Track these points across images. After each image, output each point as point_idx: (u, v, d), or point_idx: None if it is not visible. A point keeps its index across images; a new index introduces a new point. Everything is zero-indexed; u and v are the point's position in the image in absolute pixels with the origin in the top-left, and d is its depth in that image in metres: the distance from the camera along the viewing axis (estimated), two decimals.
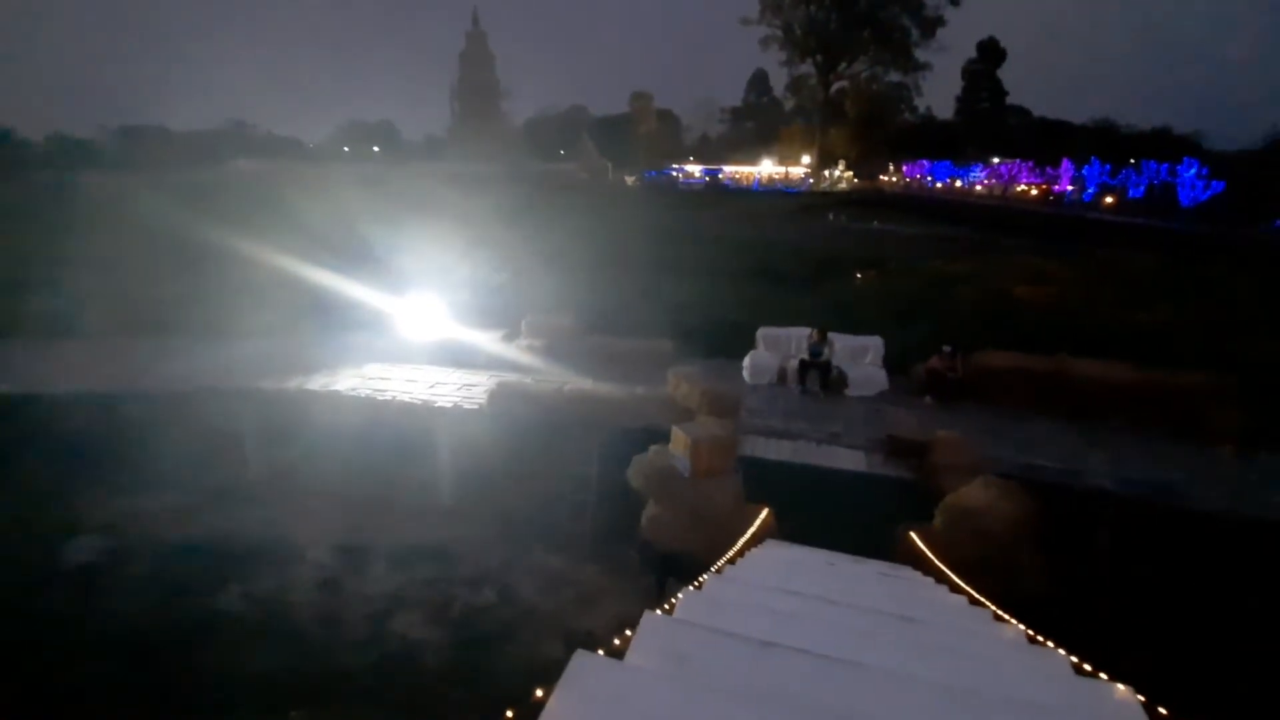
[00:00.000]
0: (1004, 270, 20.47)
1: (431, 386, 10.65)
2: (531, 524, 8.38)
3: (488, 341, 12.91)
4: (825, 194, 60.47)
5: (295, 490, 8.94)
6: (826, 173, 70.67)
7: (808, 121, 75.31)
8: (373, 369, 11.53)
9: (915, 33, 67.29)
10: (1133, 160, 43.91)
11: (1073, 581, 6.05)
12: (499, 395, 9.71)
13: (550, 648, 6.29)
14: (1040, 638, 3.49)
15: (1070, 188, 48.53)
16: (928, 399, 10.83)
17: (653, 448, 7.46)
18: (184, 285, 15.80)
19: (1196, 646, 5.61)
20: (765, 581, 4.55)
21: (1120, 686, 2.56)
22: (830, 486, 8.47)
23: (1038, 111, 69.07)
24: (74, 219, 28.10)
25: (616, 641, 2.52)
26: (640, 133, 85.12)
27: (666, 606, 3.43)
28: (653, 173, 76.54)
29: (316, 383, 10.68)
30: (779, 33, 70.06)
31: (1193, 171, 39.19)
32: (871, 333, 11.88)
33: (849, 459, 8.85)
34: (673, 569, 6.58)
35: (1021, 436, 9.24)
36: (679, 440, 7.15)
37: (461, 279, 16.13)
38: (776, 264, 22.73)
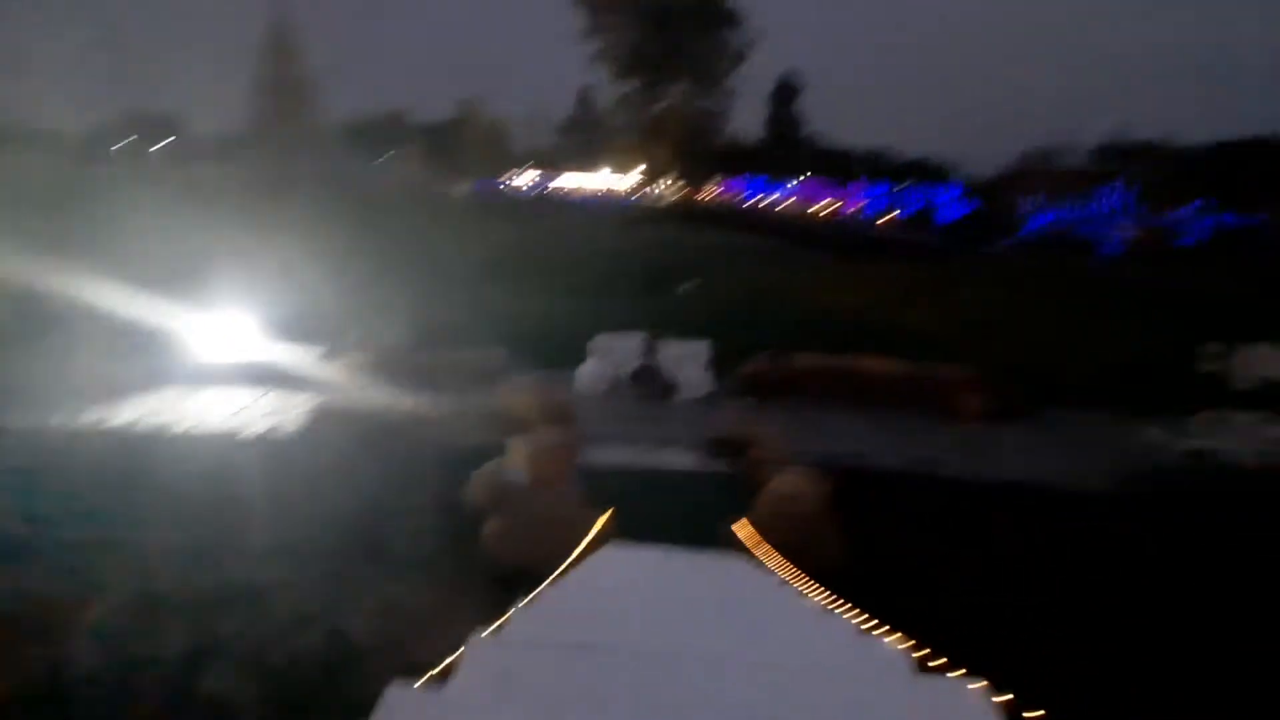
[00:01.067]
0: (808, 278, 22.85)
1: (237, 413, 9.60)
2: (362, 554, 7.86)
3: (306, 359, 11.90)
4: (653, 207, 63.19)
5: (72, 544, 7.60)
6: (653, 186, 73.82)
7: (634, 137, 78.26)
8: (164, 396, 10.14)
9: (724, 63, 73.00)
10: (904, 183, 51.23)
11: (862, 549, 6.95)
12: (320, 419, 9.02)
13: (384, 686, 5.96)
14: (870, 628, 3.60)
15: (855, 206, 55.43)
16: (748, 399, 11.83)
17: (489, 462, 7.39)
18: None
19: (952, 594, 6.72)
20: (599, 589, 4.73)
21: (954, 677, 2.51)
22: (665, 487, 8.92)
23: (831, 137, 78.01)
24: None
25: (440, 670, 2.48)
26: (468, 140, 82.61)
27: (496, 626, 3.44)
28: (482, 182, 74.77)
29: (87, 417, 9.16)
30: (606, 50, 72.19)
31: (948, 195, 46.55)
32: (698, 339, 12.70)
33: (681, 459, 9.40)
34: (517, 583, 6.56)
35: (823, 428, 10.44)
36: (516, 452, 7.16)
37: (275, 291, 14.65)
38: (607, 275, 23.37)
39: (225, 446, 8.75)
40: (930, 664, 2.75)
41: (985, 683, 2.17)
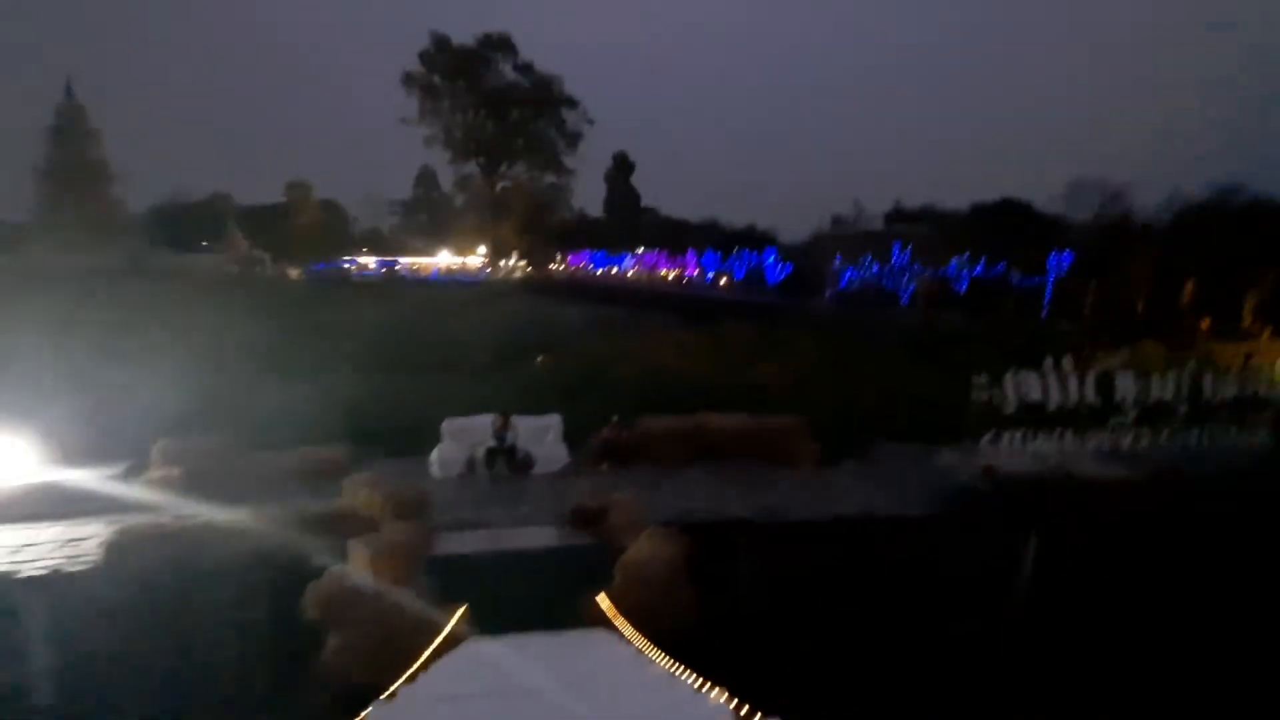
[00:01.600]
0: (654, 344, 23.97)
1: (15, 552, 8.17)
2: (184, 696, 6.90)
3: (101, 480, 10.42)
4: (501, 282, 63.42)
5: None
6: (502, 263, 74.38)
7: (478, 215, 78.95)
8: None
9: (561, 144, 76.79)
10: (735, 249, 56.00)
11: (716, 603, 7.31)
12: (122, 545, 7.91)
13: None
14: (741, 707, 3.55)
15: (694, 272, 59.47)
16: (604, 466, 12.05)
17: (329, 570, 6.91)
18: None
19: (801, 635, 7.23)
20: (455, 685, 4.60)
21: None
22: (526, 567, 8.77)
23: (664, 210, 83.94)
24: None
25: None
26: (300, 223, 78.75)
27: None
28: (322, 265, 71.10)
29: None
30: (440, 135, 73.07)
31: (772, 259, 51.53)
32: (550, 412, 12.81)
33: (540, 536, 9.32)
34: (364, 703, 6.10)
35: (677, 487, 10.88)
36: (358, 555, 6.77)
37: (58, 403, 12.76)
38: (457, 354, 22.97)
39: (5, 589, 7.43)
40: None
41: None
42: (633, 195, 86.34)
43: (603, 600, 7.30)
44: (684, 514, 9.55)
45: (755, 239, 61.37)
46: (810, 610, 7.77)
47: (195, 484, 10.34)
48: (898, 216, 57.77)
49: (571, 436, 12.59)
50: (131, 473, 10.84)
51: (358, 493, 8.91)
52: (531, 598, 7.72)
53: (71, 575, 7.67)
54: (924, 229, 49.19)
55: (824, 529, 9.14)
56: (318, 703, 6.64)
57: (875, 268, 45.85)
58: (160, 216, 75.59)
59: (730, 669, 4.25)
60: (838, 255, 48.18)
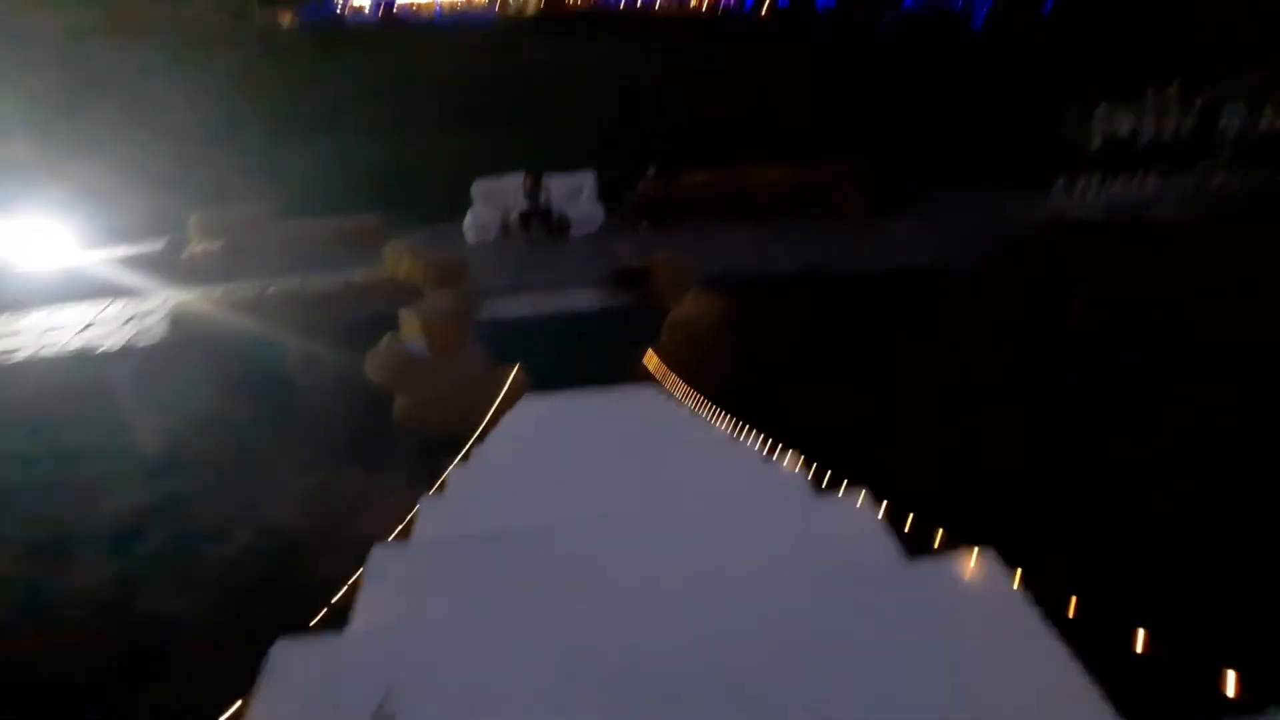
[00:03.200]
0: (689, 83, 21.70)
1: (84, 329, 8.55)
2: (273, 451, 7.62)
3: (144, 256, 10.51)
4: (514, 20, 56.52)
5: None
6: None
7: None
8: None
9: None
10: None
11: (763, 363, 7.36)
12: (183, 319, 8.19)
13: (330, 563, 6.09)
14: (774, 450, 3.68)
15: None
16: (643, 224, 11.61)
17: (385, 337, 7.06)
18: None
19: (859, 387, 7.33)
20: (522, 442, 4.81)
21: (847, 496, 2.53)
22: (571, 329, 8.93)
23: None
24: None
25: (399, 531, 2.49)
26: None
27: (436, 488, 3.49)
28: (312, 8, 63.76)
29: None
30: None
31: None
32: (582, 167, 12.05)
33: (583, 298, 9.33)
34: (438, 451, 6.61)
35: (720, 245, 10.51)
36: (409, 323, 6.84)
37: (76, 180, 12.46)
38: (477, 107, 21.28)
39: (84, 366, 7.91)
40: (825, 483, 3.00)
41: (879, 501, 2.37)
42: None
43: (650, 359, 7.44)
44: (728, 272, 9.32)
45: None
46: (858, 367, 7.81)
47: (236, 255, 10.39)
48: None
49: (607, 192, 11.98)
50: (172, 248, 10.87)
51: (399, 261, 8.81)
52: (579, 358, 7.92)
53: (144, 349, 8.05)
54: None
55: (873, 283, 8.86)
56: (393, 452, 7.27)
57: None
58: None
59: (774, 425, 4.31)
60: None
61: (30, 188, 10.97)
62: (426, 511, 3.08)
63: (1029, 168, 11.60)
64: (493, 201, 11.58)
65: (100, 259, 10.28)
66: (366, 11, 67.38)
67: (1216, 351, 7.72)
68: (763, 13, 48.28)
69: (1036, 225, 10.41)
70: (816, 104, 18.00)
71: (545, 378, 7.33)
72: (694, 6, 55.14)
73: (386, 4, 68.84)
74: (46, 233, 10.27)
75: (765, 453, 3.68)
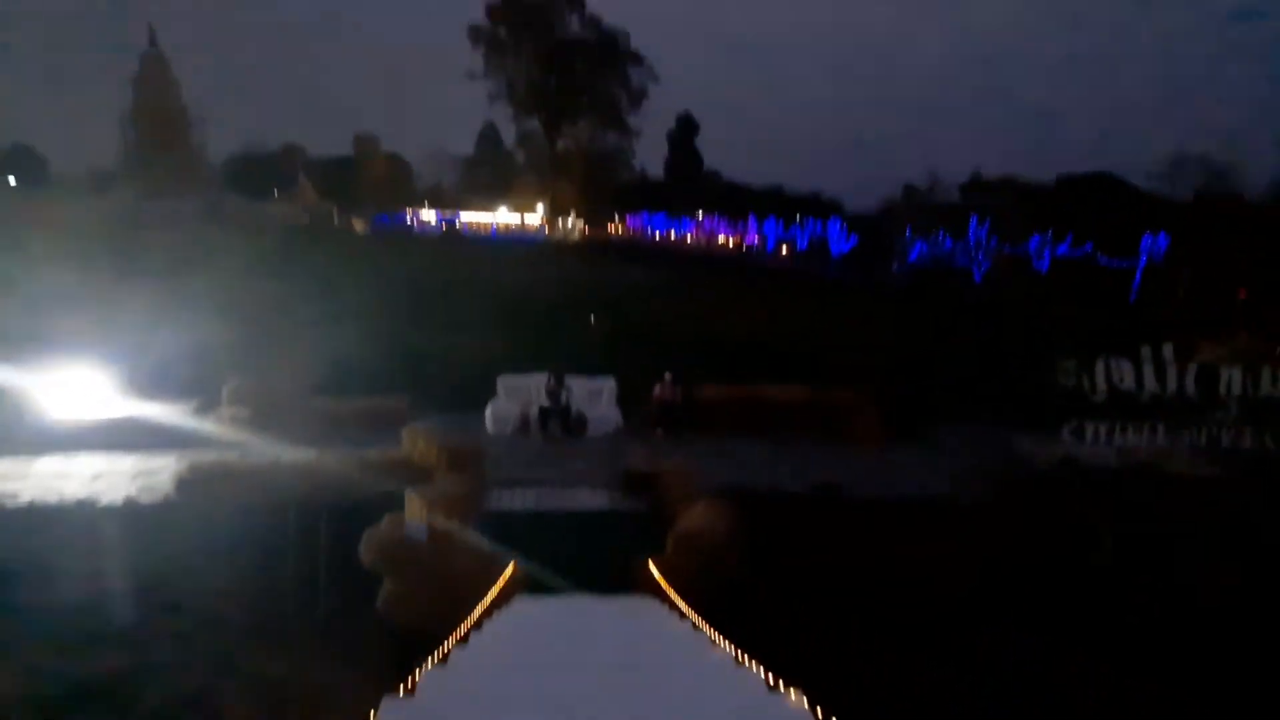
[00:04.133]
0: (710, 309, 23.49)
1: (93, 479, 8.58)
2: (245, 628, 7.14)
3: (176, 415, 10.84)
4: (559, 241, 63.48)
5: None
6: (559, 221, 74.40)
7: (538, 173, 78.86)
8: (7, 464, 8.92)
9: (625, 101, 75.36)
10: (798, 218, 54.21)
11: (770, 577, 7.04)
12: (192, 480, 8.19)
13: None
14: (779, 683, 3.52)
15: (755, 240, 57.96)
16: (658, 431, 11.85)
17: (386, 517, 6.94)
18: None
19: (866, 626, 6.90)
20: (508, 645, 4.49)
21: None
22: (576, 529, 8.70)
23: (726, 175, 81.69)
24: None
25: None
26: (367, 176, 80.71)
27: (404, 690, 3.21)
28: (385, 217, 72.89)
29: None
30: (504, 89, 72.73)
31: (837, 229, 49.66)
32: (606, 373, 12.65)
33: (591, 499, 9.23)
34: (418, 648, 6.14)
35: (732, 457, 10.59)
36: (414, 505, 6.77)
37: (137, 340, 13.34)
38: (515, 311, 23.06)
39: (83, 517, 7.79)
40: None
41: None
42: (695, 158, 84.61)
43: (652, 567, 7.14)
44: (737, 485, 9.27)
45: (820, 207, 59.23)
46: (861, 592, 7.42)
47: (262, 424, 10.67)
48: (976, 187, 54.41)
49: (625, 400, 12.43)
50: (203, 409, 11.25)
51: (415, 442, 8.97)
52: (581, 559, 7.62)
53: (144, 506, 7.97)
54: (1003, 201, 46.26)
55: (882, 508, 8.72)
56: (371, 645, 6.75)
57: (949, 242, 43.51)
58: (236, 166, 78.74)
59: (776, 644, 4.02)
60: (908, 227, 45.98)
61: (82, 339, 11.70)
62: (389, 713, 2.82)
63: (1035, 410, 11.96)
64: (515, 396, 12.04)
65: (131, 413, 10.61)
66: (431, 224, 76.25)
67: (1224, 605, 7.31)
68: (783, 253, 53.68)
69: (1046, 465, 10.45)
70: (830, 334, 19.26)
71: (545, 576, 7.02)
72: (721, 244, 61.64)
73: (449, 220, 78.04)
74: (86, 382, 10.73)
75: (768, 683, 3.38)
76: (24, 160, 74.67)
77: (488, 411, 11.85)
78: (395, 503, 7.28)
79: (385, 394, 12.08)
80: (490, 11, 70.99)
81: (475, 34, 72.29)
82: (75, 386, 10.61)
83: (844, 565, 7.39)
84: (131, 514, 7.84)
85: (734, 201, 66.07)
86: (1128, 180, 44.86)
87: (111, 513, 7.83)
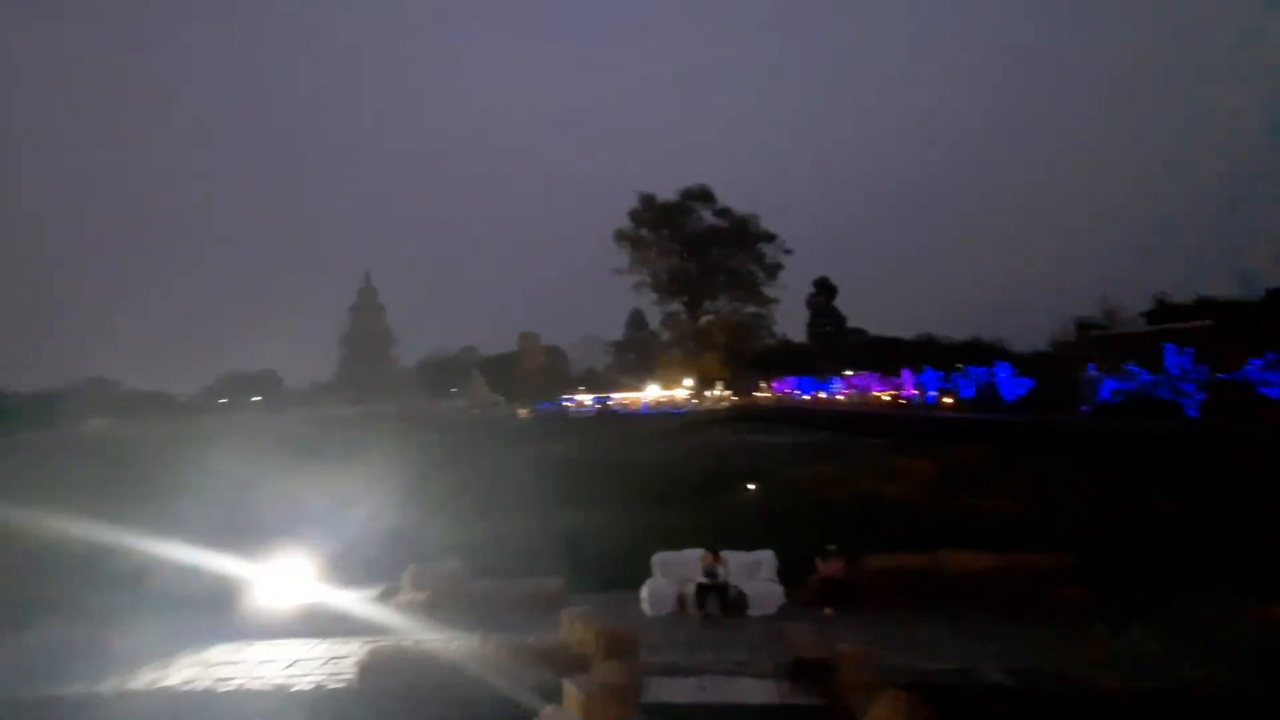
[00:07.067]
0: (872, 469, 22.03)
1: (289, 666, 9.29)
2: None
3: (361, 601, 11.70)
4: (709, 411, 64.73)
5: None
6: (707, 392, 76.55)
7: (683, 349, 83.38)
8: (218, 652, 9.97)
9: (761, 275, 79.96)
10: (958, 365, 51.21)
11: None
12: (371, 667, 8.60)
13: None
14: None
15: (915, 392, 55.07)
16: (826, 610, 10.80)
17: (544, 709, 6.76)
18: None
19: None
20: None
21: None
22: None
23: (873, 330, 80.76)
24: None
25: None
26: (529, 368, 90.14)
27: None
28: (545, 404, 79.75)
29: (143, 679, 9.03)
30: (648, 279, 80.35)
31: (1007, 372, 46.07)
32: (762, 546, 12.04)
33: (757, 690, 8.39)
34: None
35: (914, 639, 9.28)
36: (571, 697, 6.55)
37: (335, 530, 14.95)
38: (667, 483, 23.19)
39: (277, 703, 8.37)
40: None
41: None
42: (837, 317, 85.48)
43: None
44: (927, 673, 8.02)
45: (981, 352, 55.83)
46: None
47: (436, 608, 11.19)
48: (1163, 313, 48.77)
49: (785, 572, 11.63)
50: (386, 595, 12.05)
51: (572, 627, 8.88)
52: None
53: (332, 692, 8.44)
54: (1205, 325, 40.80)
55: (1100, 702, 7.03)
56: None
57: (1144, 374, 38.55)
58: (424, 369, 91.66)
59: None
60: (1090, 364, 41.62)
61: (291, 530, 13.25)
62: None
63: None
64: (671, 574, 11.71)
65: (326, 600, 11.61)
66: (587, 405, 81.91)
67: None
68: (948, 401, 50.05)
69: None
70: (1016, 489, 17.13)
71: None
72: (875, 400, 59.21)
73: (602, 400, 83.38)
74: (293, 570, 11.97)
75: None
76: (268, 381, 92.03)
77: (644, 591, 11.56)
78: (555, 690, 7.10)
79: (542, 575, 12.28)
80: (632, 216, 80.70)
81: (619, 236, 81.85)
82: (284, 574, 11.91)
83: None
84: (319, 699, 8.31)
85: (884, 355, 64.48)
86: None
87: (302, 698, 8.35)
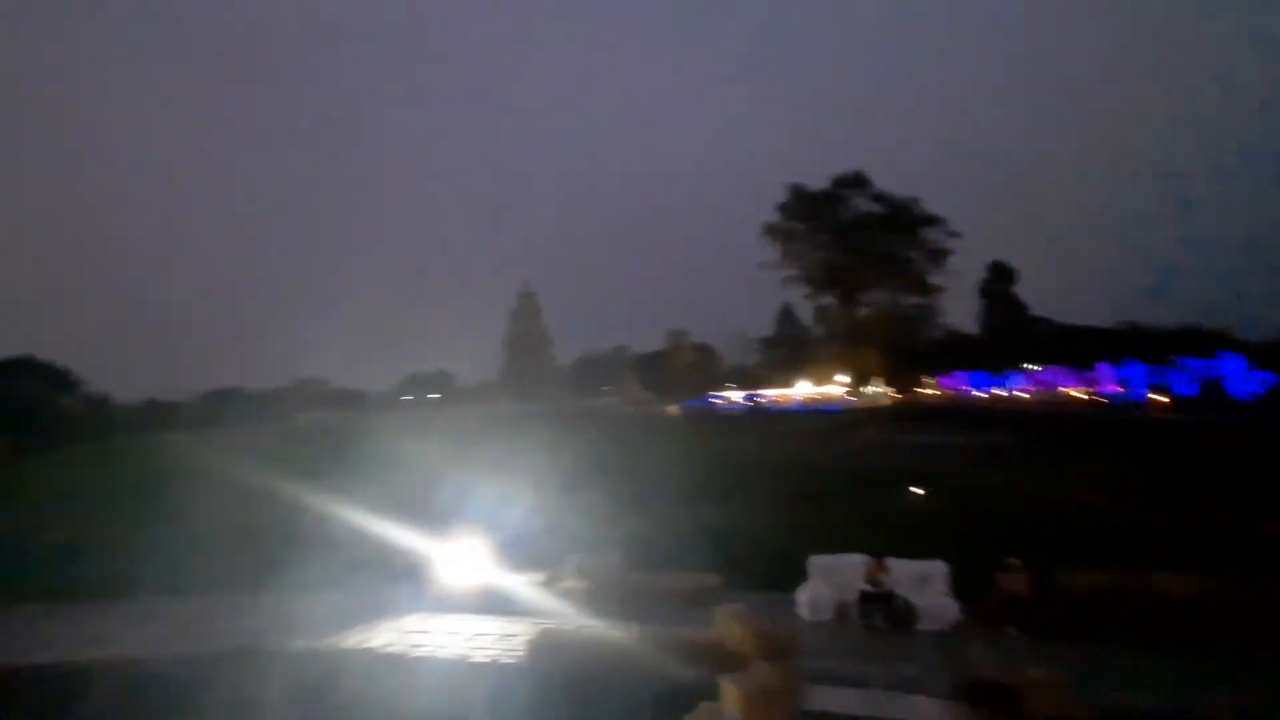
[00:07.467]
0: (1061, 476, 19.66)
1: (471, 639, 10.18)
2: None
3: (529, 585, 12.54)
4: (867, 409, 61.50)
5: None
6: (865, 389, 72.72)
7: (837, 344, 79.60)
8: (411, 620, 11.18)
9: (924, 262, 73.77)
10: (1170, 358, 44.05)
11: None
12: (538, 647, 9.18)
13: None
14: None
15: (1113, 389, 48.21)
16: (1009, 629, 9.80)
17: (701, 705, 6.78)
18: (238, 538, 16.18)
19: None
20: None
21: None
22: None
23: (1059, 318, 71.27)
24: (148, 475, 30.17)
25: None
26: (679, 365, 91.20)
27: None
28: (694, 401, 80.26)
29: (351, 639, 10.35)
30: (798, 273, 77.54)
31: (1238, 365, 38.92)
32: (930, 555, 11.20)
33: (929, 710, 7.83)
34: None
35: (1111, 668, 8.17)
36: (730, 695, 6.51)
37: (505, 518, 16.15)
38: (823, 483, 22.36)
39: (460, 672, 9.23)
40: None
41: None
42: (1016, 306, 76.73)
43: None
44: (1129, 709, 7.02)
45: (1199, 341, 47.39)
46: None
47: (595, 596, 11.72)
48: None
49: (961, 589, 10.72)
50: (551, 581, 12.81)
51: (728, 625, 8.84)
52: None
53: (505, 667, 9.14)
54: None
55: None
56: None
57: None
58: (578, 368, 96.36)
59: None
60: None
61: (467, 515, 14.48)
62: None
63: None
64: (830, 580, 11.25)
65: (498, 581, 12.62)
66: (738, 403, 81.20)
67: None
68: (1158, 400, 42.90)
69: None
70: (1249, 504, 14.42)
71: None
72: (1066, 397, 52.58)
73: (752, 397, 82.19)
74: (470, 552, 13.12)
75: None
76: (443, 380, 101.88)
77: (802, 595, 11.21)
78: (710, 686, 7.12)
79: (698, 569, 12.36)
80: (781, 208, 78.41)
81: (769, 230, 79.97)
82: (462, 555, 13.10)
83: None
84: (495, 671, 9.07)
85: (1075, 347, 56.87)
86: None
87: (481, 670, 9.13)
